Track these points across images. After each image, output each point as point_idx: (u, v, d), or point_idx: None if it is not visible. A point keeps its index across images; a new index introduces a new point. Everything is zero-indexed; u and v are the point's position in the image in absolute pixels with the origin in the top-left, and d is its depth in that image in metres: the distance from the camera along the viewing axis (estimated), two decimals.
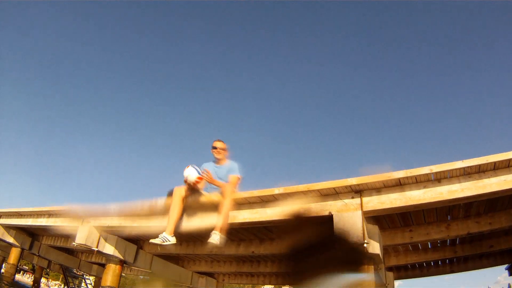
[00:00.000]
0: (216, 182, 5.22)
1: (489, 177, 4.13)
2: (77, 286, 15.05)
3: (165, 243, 4.71)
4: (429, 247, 7.05)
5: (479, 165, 4.07)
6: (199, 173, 5.07)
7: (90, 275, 13.44)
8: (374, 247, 4.35)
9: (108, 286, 7.02)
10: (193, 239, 6.96)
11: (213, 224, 4.91)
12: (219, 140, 5.72)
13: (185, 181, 5.09)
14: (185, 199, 5.15)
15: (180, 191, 5.15)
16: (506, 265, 8.21)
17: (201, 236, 5.47)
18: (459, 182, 4.19)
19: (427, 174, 4.19)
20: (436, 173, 4.16)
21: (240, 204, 5.07)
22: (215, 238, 4.58)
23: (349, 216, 4.35)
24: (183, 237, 5.16)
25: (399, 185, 4.35)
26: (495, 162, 4.04)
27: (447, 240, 6.65)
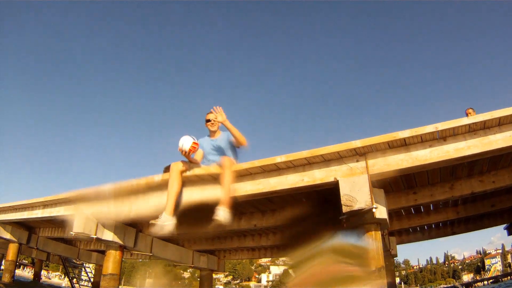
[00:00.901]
0: (228, 123, 4.91)
1: (494, 133, 4.05)
2: (77, 276, 14.93)
3: (165, 224, 4.50)
4: (431, 209, 7.03)
5: (484, 121, 3.97)
6: (193, 140, 4.86)
7: (90, 263, 13.28)
8: (381, 212, 4.24)
9: (110, 274, 6.83)
10: (194, 217, 6.73)
11: (214, 197, 4.77)
12: (211, 112, 5.41)
13: (181, 151, 4.86)
14: (183, 173, 4.95)
15: (177, 165, 4.95)
16: (504, 225, 8.29)
17: (204, 212, 5.30)
18: (465, 140, 4.10)
19: (432, 133, 4.08)
20: (442, 131, 4.06)
21: (242, 176, 4.92)
22: (221, 215, 4.37)
23: (355, 180, 4.24)
24: (184, 215, 4.94)
25: (404, 145, 4.24)
26: (499, 118, 3.95)
27: (449, 201, 6.59)
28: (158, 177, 5.37)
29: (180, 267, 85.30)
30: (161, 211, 4.73)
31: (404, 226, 7.32)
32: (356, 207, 4.12)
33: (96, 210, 6.39)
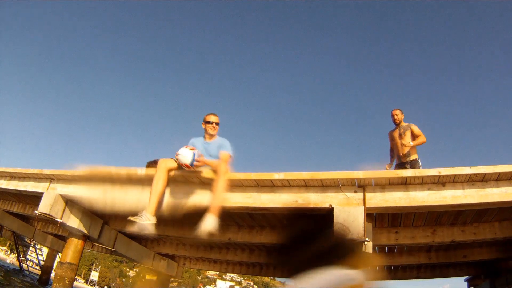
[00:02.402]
0: (209, 162, 4.63)
1: (491, 187, 4.10)
2: (24, 255, 14.19)
3: (146, 223, 4.12)
4: (405, 250, 6.96)
5: (484, 174, 4.02)
6: (193, 160, 4.41)
7: (44, 246, 12.70)
8: (368, 247, 4.13)
9: (68, 263, 6.48)
10: (178, 220, 6.39)
11: (200, 203, 4.56)
12: (213, 114, 5.17)
13: (176, 158, 4.51)
14: (170, 172, 4.60)
15: (166, 162, 4.56)
16: (466, 277, 8.35)
17: (187, 217, 4.99)
18: (463, 189, 4.14)
19: (433, 176, 4.08)
20: (443, 176, 4.05)
21: (233, 186, 4.68)
22: (210, 223, 4.05)
23: (351, 210, 4.14)
24: (162, 217, 4.66)
25: (404, 184, 4.22)
26: (499, 173, 4.01)
27: (424, 246, 6.56)
28: (141, 171, 5.07)
29: (126, 265, 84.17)
30: (140, 208, 4.40)
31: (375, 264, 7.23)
32: (348, 237, 3.99)
33: (68, 192, 6.07)
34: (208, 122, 5.06)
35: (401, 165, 6.40)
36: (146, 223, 4.12)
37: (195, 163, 4.38)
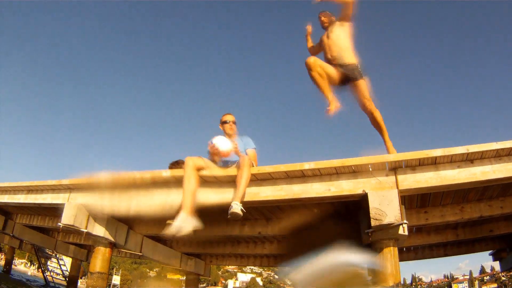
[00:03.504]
0: (240, 153, 4.77)
1: None
2: (45, 266, 14.19)
3: (185, 225, 4.09)
4: (432, 229, 6.98)
5: (511, 148, 4.05)
6: (229, 147, 4.61)
7: (68, 256, 12.72)
8: (404, 228, 4.17)
9: (98, 272, 6.43)
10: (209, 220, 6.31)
11: (225, 200, 4.53)
12: (229, 114, 5.28)
13: (213, 149, 4.63)
14: (199, 170, 4.61)
15: (193, 160, 4.56)
16: (490, 251, 8.38)
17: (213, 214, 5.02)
18: (491, 164, 4.17)
19: (462, 154, 4.11)
20: (471, 153, 4.09)
21: (262, 180, 4.73)
22: (236, 207, 4.13)
23: (385, 194, 4.16)
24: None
25: (434, 164, 4.24)
26: None
27: (450, 223, 6.56)
28: (166, 173, 5.07)
29: (146, 266, 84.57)
30: (167, 210, 4.52)
31: (404, 245, 7.26)
32: (386, 221, 4.03)
33: (89, 201, 6.03)
34: (225, 122, 5.18)
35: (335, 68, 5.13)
36: (184, 224, 4.11)
37: (231, 149, 4.59)
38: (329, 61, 5.21)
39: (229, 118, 5.21)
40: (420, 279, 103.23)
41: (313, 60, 4.94)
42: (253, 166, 4.70)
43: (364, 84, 5.09)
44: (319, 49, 5.66)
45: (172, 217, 4.22)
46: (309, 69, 4.93)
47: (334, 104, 4.97)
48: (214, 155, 4.77)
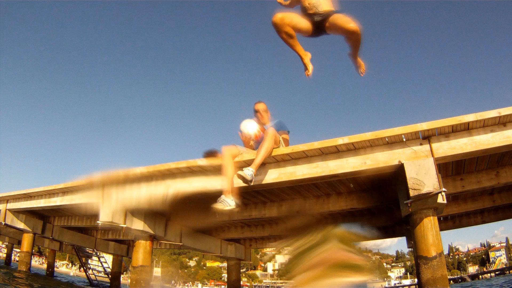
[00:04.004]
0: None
1: None
2: (85, 265, 14.42)
3: (230, 205, 4.32)
4: (469, 196, 6.85)
5: None
6: (256, 129, 4.82)
7: (108, 253, 12.92)
8: (443, 197, 4.10)
9: (141, 266, 6.53)
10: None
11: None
12: (259, 102, 5.37)
13: (242, 138, 4.88)
14: (234, 158, 4.84)
15: (230, 149, 4.83)
16: None
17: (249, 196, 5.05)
18: None
19: (494, 118, 4.03)
20: (503, 116, 4.01)
21: (297, 159, 4.75)
22: (246, 172, 4.29)
23: (421, 163, 4.12)
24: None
25: (467, 129, 4.18)
26: None
27: (487, 189, 6.39)
28: (202, 161, 5.19)
29: (185, 256, 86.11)
30: (205, 194, 4.85)
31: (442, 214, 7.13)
32: (424, 190, 3.99)
33: (125, 196, 6.09)
34: (257, 111, 5.32)
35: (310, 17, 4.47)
36: (230, 204, 4.32)
37: (258, 130, 4.82)
38: (306, 9, 4.53)
39: (259, 106, 5.33)
40: (457, 249, 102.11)
41: (280, 18, 4.25)
42: (276, 140, 4.82)
43: (340, 14, 4.34)
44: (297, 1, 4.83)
45: (214, 201, 4.37)
46: (277, 30, 4.53)
47: (308, 62, 4.57)
48: (246, 142, 4.99)
